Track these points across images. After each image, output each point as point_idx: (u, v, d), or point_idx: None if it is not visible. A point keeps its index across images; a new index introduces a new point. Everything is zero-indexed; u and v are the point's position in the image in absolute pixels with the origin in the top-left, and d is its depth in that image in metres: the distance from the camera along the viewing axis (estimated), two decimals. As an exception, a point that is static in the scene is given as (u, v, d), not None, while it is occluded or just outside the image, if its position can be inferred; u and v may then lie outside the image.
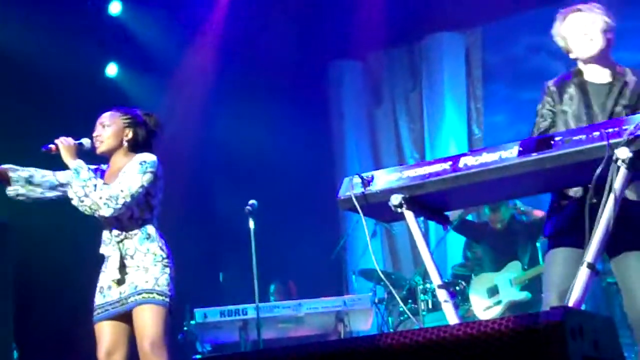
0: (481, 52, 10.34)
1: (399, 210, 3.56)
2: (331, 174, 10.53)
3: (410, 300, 8.13)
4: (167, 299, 4.61)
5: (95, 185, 4.58)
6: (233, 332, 7.63)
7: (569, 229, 3.94)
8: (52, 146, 4.74)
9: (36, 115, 8.25)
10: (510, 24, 9.91)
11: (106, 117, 4.83)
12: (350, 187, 3.67)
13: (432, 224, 9.04)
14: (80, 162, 4.66)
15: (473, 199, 4.04)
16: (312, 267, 9.68)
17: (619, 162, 3.18)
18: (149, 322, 4.56)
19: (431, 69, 10.60)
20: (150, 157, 4.71)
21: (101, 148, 4.79)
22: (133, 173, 4.62)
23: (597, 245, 3.26)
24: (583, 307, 3.56)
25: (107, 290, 4.69)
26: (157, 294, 4.59)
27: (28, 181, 4.82)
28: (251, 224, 6.86)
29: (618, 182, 3.21)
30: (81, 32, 8.82)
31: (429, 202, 3.67)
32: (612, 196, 3.22)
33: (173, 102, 9.62)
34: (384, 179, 3.63)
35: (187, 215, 9.47)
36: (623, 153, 3.17)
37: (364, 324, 7.88)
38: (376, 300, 8.25)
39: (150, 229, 4.72)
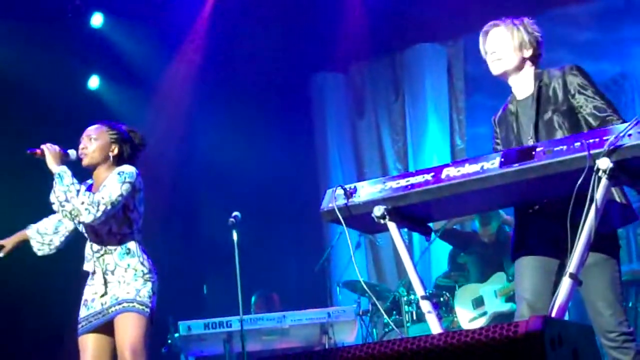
0: (463, 63, 10.36)
1: (382, 221, 3.56)
2: (314, 186, 10.53)
3: (394, 312, 8.13)
4: (148, 310, 4.63)
5: (77, 191, 4.58)
6: (217, 344, 7.61)
7: (534, 239, 3.96)
8: (38, 150, 4.74)
9: (17, 127, 8.22)
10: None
11: (93, 130, 4.83)
12: (333, 199, 3.68)
13: (416, 235, 9.06)
14: (64, 168, 4.66)
15: (455, 209, 4.05)
16: (297, 279, 9.68)
17: (600, 173, 3.20)
18: (129, 330, 4.58)
19: (413, 80, 10.62)
20: (128, 169, 4.72)
21: (86, 161, 4.78)
22: (112, 183, 4.63)
23: (579, 256, 3.26)
24: (567, 317, 3.58)
25: (90, 303, 4.71)
26: (138, 303, 4.60)
27: (38, 233, 4.95)
28: (235, 236, 6.85)
29: (599, 192, 3.22)
30: (63, 45, 8.80)
31: (411, 213, 3.68)
32: (593, 207, 3.23)
33: (155, 115, 9.60)
34: (366, 190, 3.64)
35: (171, 228, 9.45)
36: (604, 163, 3.18)
37: (348, 335, 7.87)
38: (360, 312, 8.25)
39: (131, 244, 4.73)
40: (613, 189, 3.77)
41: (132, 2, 9.22)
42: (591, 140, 3.25)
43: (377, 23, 10.07)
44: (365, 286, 7.28)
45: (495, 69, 4.17)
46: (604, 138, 3.23)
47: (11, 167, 7.86)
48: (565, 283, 3.25)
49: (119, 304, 4.60)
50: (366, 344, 2.51)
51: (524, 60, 4.12)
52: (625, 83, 9.12)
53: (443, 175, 3.47)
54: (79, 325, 4.74)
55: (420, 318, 7.82)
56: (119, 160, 4.81)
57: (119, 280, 4.64)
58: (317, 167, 11.06)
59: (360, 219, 3.67)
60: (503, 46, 4.14)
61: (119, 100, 9.58)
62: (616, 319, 3.81)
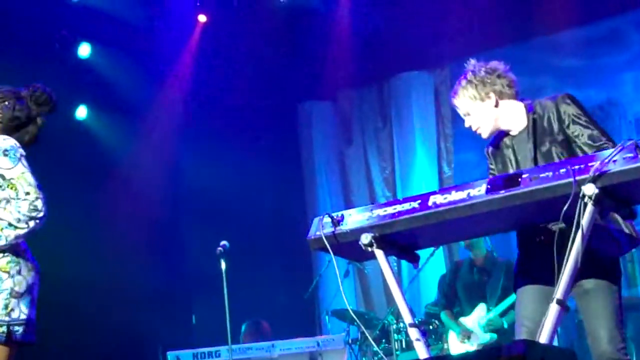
0: (450, 90, 10.38)
1: (370, 249, 3.56)
2: (302, 214, 10.53)
3: (383, 340, 8.12)
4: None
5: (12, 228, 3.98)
6: (206, 374, 7.57)
7: (535, 267, 3.96)
8: None
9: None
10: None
11: None
12: (321, 227, 3.67)
13: (405, 262, 9.05)
14: None
15: (443, 237, 4.06)
16: (285, 307, 9.64)
17: (586, 199, 3.20)
18: None
19: (401, 107, 10.66)
20: (8, 142, 4.11)
21: None
22: (11, 166, 4.07)
23: (566, 282, 3.27)
24: (555, 343, 3.57)
25: None
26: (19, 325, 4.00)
27: None
28: (223, 265, 6.84)
29: (585, 218, 3.23)
30: (50, 75, 8.78)
31: (399, 241, 3.68)
32: (579, 233, 3.23)
33: (143, 144, 9.60)
34: (354, 218, 3.64)
35: (159, 257, 9.42)
36: (589, 189, 3.19)
37: (337, 364, 7.84)
38: (350, 341, 8.22)
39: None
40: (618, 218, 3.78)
41: (119, 32, 9.24)
42: (576, 167, 3.26)
43: (364, 51, 10.13)
44: (354, 315, 7.27)
45: (483, 135, 4.19)
46: (589, 164, 3.24)
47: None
48: (553, 309, 3.26)
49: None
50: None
51: (496, 105, 4.13)
52: (611, 109, 9.17)
53: (430, 203, 3.47)
54: None
55: (410, 346, 7.79)
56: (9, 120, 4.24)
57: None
58: (305, 195, 11.07)
59: (347, 247, 3.67)
60: (470, 112, 4.19)
61: (107, 130, 9.58)
62: (615, 345, 3.81)
